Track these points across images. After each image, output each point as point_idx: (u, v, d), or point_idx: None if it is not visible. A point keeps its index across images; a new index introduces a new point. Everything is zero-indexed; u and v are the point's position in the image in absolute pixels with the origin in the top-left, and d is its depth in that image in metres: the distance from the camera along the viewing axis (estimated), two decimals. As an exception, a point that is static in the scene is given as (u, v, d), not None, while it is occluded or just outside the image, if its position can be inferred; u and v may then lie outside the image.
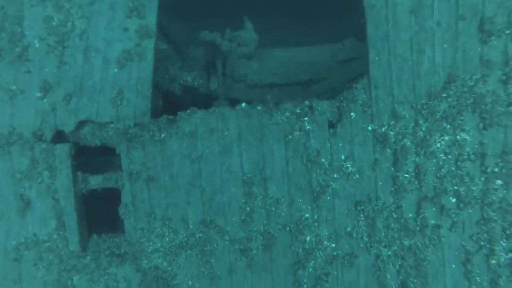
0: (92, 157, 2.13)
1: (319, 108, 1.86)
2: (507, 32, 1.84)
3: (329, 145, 1.85)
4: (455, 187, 1.86)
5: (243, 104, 1.83)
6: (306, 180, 1.84)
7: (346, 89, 1.91)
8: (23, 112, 1.87)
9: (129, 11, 2.02)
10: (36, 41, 1.92)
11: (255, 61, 3.32)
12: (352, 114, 1.87)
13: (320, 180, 1.83)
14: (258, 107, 1.82)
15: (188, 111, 1.86)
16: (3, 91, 1.88)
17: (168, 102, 2.36)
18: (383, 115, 1.89)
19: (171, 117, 1.87)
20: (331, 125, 1.88)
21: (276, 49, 3.54)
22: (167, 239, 1.86)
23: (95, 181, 1.88)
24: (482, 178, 1.86)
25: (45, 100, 1.89)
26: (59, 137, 1.93)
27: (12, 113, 1.88)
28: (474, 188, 1.85)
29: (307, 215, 1.84)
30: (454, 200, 1.86)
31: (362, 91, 1.89)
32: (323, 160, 1.84)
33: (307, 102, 1.87)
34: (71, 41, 1.94)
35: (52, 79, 1.91)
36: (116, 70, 1.92)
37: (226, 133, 1.82)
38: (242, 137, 1.82)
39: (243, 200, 1.82)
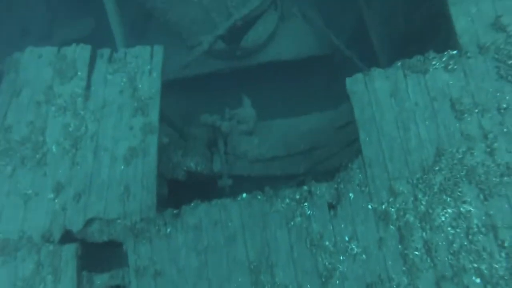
0: (98, 250, 2.16)
1: (318, 192, 1.92)
2: (476, 110, 1.96)
3: (331, 227, 1.87)
4: (475, 265, 1.80)
5: (244, 195, 1.90)
6: (312, 264, 1.84)
7: (341, 170, 1.99)
8: (35, 215, 1.95)
9: (134, 111, 2.19)
10: (53, 147, 2.07)
11: (255, 136, 3.45)
12: (350, 194, 1.92)
13: (327, 263, 1.83)
14: (259, 196, 1.89)
15: (192, 204, 1.92)
16: (19, 197, 1.97)
17: (173, 187, 2.45)
18: (381, 193, 1.93)
19: (176, 211, 1.93)
20: (331, 207, 1.91)
21: (274, 120, 3.68)
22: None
23: (101, 281, 1.89)
24: (503, 254, 1.81)
25: (56, 200, 1.98)
26: (67, 237, 1.98)
27: (25, 217, 1.95)
28: (497, 266, 1.79)
29: None
30: (478, 280, 1.78)
31: (358, 170, 1.96)
32: (327, 243, 1.85)
33: (305, 187, 1.93)
34: (83, 143, 2.09)
35: (64, 179, 2.02)
36: (122, 167, 2.03)
37: (229, 223, 1.86)
38: (246, 226, 1.86)
39: None
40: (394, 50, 3.65)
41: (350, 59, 3.83)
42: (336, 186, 1.94)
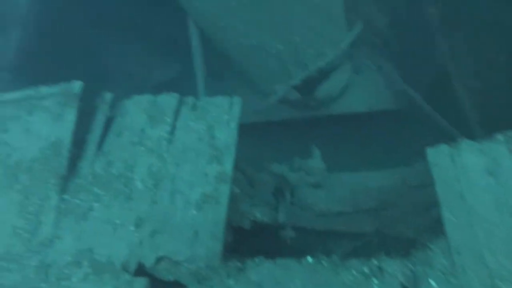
0: None
1: (389, 270, 1.79)
2: None
3: None
4: None
5: (309, 259, 1.87)
6: None
7: (417, 247, 1.85)
8: (119, 244, 2.11)
9: (210, 158, 2.32)
10: (139, 184, 2.26)
11: (322, 189, 3.41)
12: (431, 281, 1.70)
13: None
14: (324, 263, 1.84)
15: (256, 260, 1.94)
16: (110, 225, 2.16)
17: (237, 235, 2.50)
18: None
19: (240, 264, 1.96)
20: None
21: (343, 174, 3.61)
22: None
23: None
24: None
25: (136, 234, 2.13)
26: (140, 270, 2.11)
27: (111, 243, 2.13)
28: None
29: None
30: None
31: (440, 254, 1.75)
32: None
33: (375, 261, 1.83)
34: (163, 184, 2.25)
35: (144, 215, 2.17)
36: (195, 212, 2.14)
37: (291, 285, 1.84)
38: None
39: None
40: (488, 110, 3.43)
41: (428, 115, 3.69)
42: (411, 267, 1.77)
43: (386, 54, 4.24)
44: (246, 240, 2.69)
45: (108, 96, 2.63)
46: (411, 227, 3.18)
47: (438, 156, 2.01)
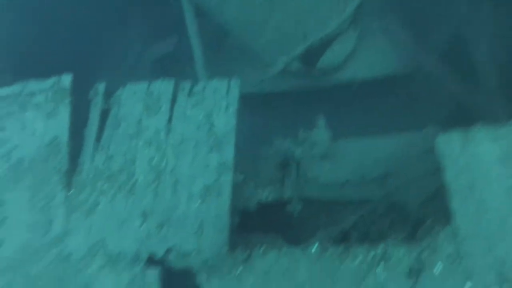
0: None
1: (395, 256, 1.77)
2: None
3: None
4: None
5: (314, 247, 1.88)
6: None
7: (425, 232, 1.82)
8: (128, 237, 2.15)
9: (209, 148, 2.29)
10: (140, 178, 2.26)
11: (328, 160, 3.38)
12: (439, 264, 1.69)
13: None
14: (329, 250, 1.85)
15: (262, 249, 1.96)
16: (116, 219, 2.21)
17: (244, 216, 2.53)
18: (487, 277, 1.62)
19: (246, 254, 1.99)
20: (412, 275, 1.71)
21: (350, 142, 3.55)
22: None
23: None
24: None
25: (142, 228, 2.17)
26: (151, 261, 2.17)
27: (120, 237, 2.17)
28: None
29: None
30: None
31: (446, 242, 1.73)
32: None
33: (380, 248, 1.82)
34: (164, 177, 2.25)
35: (148, 209, 2.20)
36: (197, 204, 2.15)
37: (298, 275, 1.87)
38: (313, 279, 1.84)
39: None
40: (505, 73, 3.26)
41: (439, 80, 3.53)
42: (418, 252, 1.74)
43: (395, 15, 3.99)
44: (253, 219, 2.72)
45: (101, 87, 2.58)
46: (419, 194, 3.16)
47: (448, 144, 1.91)
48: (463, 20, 3.48)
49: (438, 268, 1.69)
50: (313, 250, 1.86)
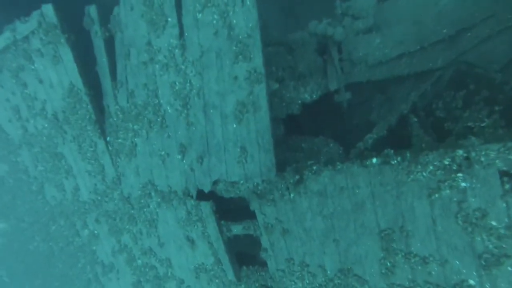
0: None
1: (483, 159, 1.40)
2: None
3: (504, 204, 1.43)
4: None
5: (374, 160, 1.61)
6: (465, 243, 1.53)
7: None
8: (173, 173, 2.08)
9: (234, 56, 1.93)
10: (168, 108, 2.05)
11: (376, 32, 2.85)
12: None
13: (491, 246, 1.47)
14: (393, 162, 1.57)
15: (315, 168, 1.75)
16: (157, 157, 2.12)
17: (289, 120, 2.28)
18: None
19: (297, 175, 1.80)
20: (506, 178, 1.39)
21: None
22: (307, 281, 1.93)
23: (236, 229, 2.04)
24: None
25: (184, 161, 2.05)
26: (201, 193, 2.11)
27: (166, 175, 2.11)
28: None
29: (471, 282, 1.57)
30: None
31: None
32: (493, 223, 1.45)
33: (461, 152, 1.45)
34: (192, 102, 2.00)
35: (185, 141, 2.04)
36: (234, 125, 1.91)
37: (357, 191, 1.67)
38: (376, 195, 1.64)
39: (382, 255, 1.71)
40: None
41: None
42: None
43: None
44: (300, 122, 2.48)
45: (92, 10, 2.19)
46: (501, 55, 2.64)
47: None
48: None
49: None
50: (373, 162, 1.60)
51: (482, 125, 1.86)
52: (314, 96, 2.36)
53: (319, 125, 2.66)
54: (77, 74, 2.21)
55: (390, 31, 2.86)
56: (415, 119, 2.41)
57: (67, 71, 2.26)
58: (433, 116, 2.44)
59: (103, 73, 2.24)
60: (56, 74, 2.30)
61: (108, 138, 2.23)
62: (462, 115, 2.23)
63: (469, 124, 2.06)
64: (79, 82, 2.22)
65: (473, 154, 1.43)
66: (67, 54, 2.21)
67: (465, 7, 2.67)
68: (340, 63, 2.87)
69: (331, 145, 2.22)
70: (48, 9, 2.19)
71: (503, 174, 1.40)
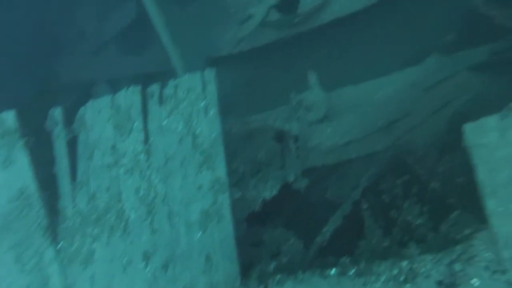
0: None
1: (423, 271, 1.56)
2: None
3: None
4: None
5: (333, 271, 1.72)
6: None
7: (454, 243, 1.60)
8: (135, 282, 2.02)
9: (198, 165, 2.02)
10: (132, 214, 2.05)
11: (327, 122, 3.12)
12: (474, 280, 1.46)
13: None
14: (350, 273, 1.69)
15: (278, 277, 1.82)
16: (119, 264, 2.06)
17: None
18: None
19: (261, 284, 1.85)
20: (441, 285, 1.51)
21: (347, 89, 3.25)
22: None
23: None
24: None
25: (147, 269, 2.02)
26: None
27: (127, 283, 2.05)
28: None
29: None
30: None
31: (483, 248, 1.48)
32: None
33: (405, 263, 1.65)
34: (157, 208, 2.02)
35: (149, 248, 2.02)
36: (199, 234, 1.96)
37: (319, 302, 1.75)
38: None
39: None
40: None
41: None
42: (449, 263, 1.52)
43: None
44: (260, 216, 2.56)
45: (57, 113, 2.21)
46: (429, 136, 2.96)
47: (481, 133, 1.52)
48: None
49: (475, 284, 1.50)
50: (332, 273, 1.70)
51: (417, 223, 2.05)
52: (274, 192, 2.50)
53: (278, 213, 2.77)
54: (31, 177, 2.16)
55: (339, 121, 3.16)
56: (366, 206, 2.61)
57: (20, 173, 2.18)
58: (381, 201, 2.66)
59: (62, 174, 2.21)
60: (6, 176, 2.22)
61: (60, 245, 2.14)
62: (403, 206, 2.46)
63: (408, 218, 2.27)
64: (32, 184, 2.16)
65: (414, 265, 1.57)
66: (22, 158, 2.17)
67: (393, 102, 3.04)
68: (296, 151, 3.08)
69: (291, 240, 2.32)
70: (9, 115, 2.18)
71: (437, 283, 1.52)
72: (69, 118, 2.23)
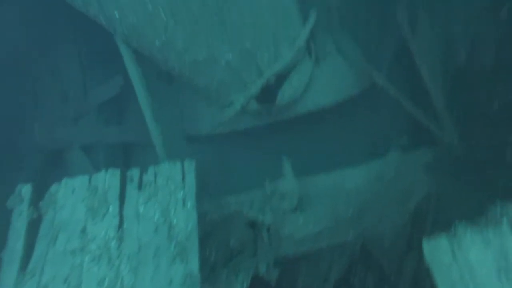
0: None
1: None
2: None
3: None
4: None
5: None
6: None
7: None
8: None
9: (172, 257, 2.00)
10: None
11: (299, 212, 3.22)
12: None
13: None
14: None
15: None
16: None
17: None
18: None
19: None
20: None
21: (319, 177, 3.39)
22: None
23: None
24: None
25: None
26: None
27: None
28: None
29: None
30: None
31: None
32: None
33: None
34: None
35: None
36: None
37: None
38: None
39: None
40: (452, 89, 3.20)
41: (392, 96, 3.43)
42: None
43: (345, 32, 3.81)
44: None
45: (25, 190, 2.15)
46: (391, 229, 3.11)
47: (437, 252, 1.65)
48: (406, 31, 3.38)
49: None
50: None
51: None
52: (245, 285, 2.47)
53: None
54: None
55: (311, 210, 3.27)
56: None
57: None
58: None
59: (10, 260, 2.01)
60: None
61: None
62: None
63: None
64: None
65: None
66: None
67: (362, 192, 3.23)
68: (269, 240, 3.12)
69: None
70: None
71: None
72: (38, 195, 2.17)
